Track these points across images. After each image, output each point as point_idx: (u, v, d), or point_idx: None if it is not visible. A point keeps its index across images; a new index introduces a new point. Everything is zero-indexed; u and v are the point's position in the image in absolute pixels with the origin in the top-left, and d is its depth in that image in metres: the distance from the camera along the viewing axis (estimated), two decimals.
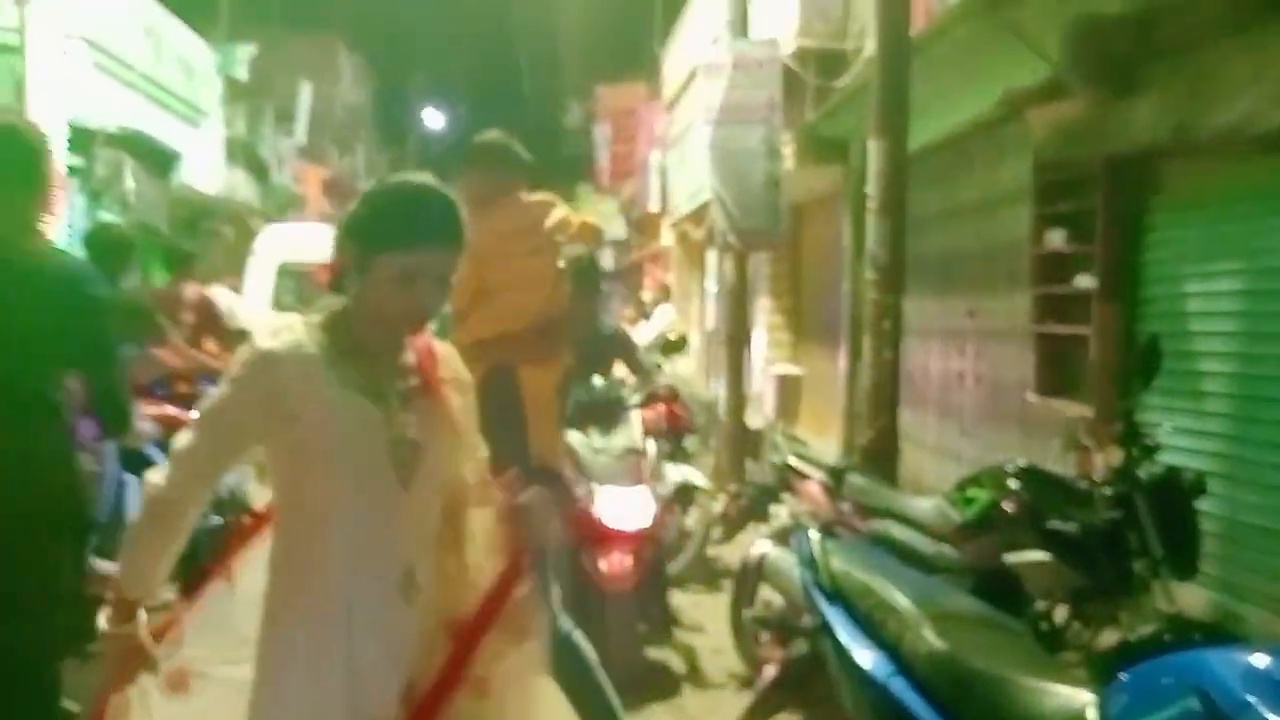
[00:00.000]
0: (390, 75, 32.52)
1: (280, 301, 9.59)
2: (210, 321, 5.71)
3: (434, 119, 33.99)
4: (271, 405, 1.78)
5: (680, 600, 5.55)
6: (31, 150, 2.74)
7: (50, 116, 11.84)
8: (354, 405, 1.81)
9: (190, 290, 5.74)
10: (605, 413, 4.95)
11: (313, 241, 7.97)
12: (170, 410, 4.57)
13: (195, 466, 1.87)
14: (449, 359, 1.99)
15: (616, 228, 22.83)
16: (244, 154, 19.47)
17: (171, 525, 1.88)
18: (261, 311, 9.03)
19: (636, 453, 4.91)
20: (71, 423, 2.85)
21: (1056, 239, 5.79)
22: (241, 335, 5.34)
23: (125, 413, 2.97)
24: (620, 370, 5.58)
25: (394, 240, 1.79)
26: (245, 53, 18.65)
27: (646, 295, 15.54)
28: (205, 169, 17.31)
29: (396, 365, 1.90)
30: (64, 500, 2.73)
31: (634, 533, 4.42)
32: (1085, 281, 5.56)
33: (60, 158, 12.01)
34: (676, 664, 4.85)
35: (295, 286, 9.41)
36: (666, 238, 17.79)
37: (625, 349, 5.63)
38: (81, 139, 12.47)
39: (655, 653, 4.88)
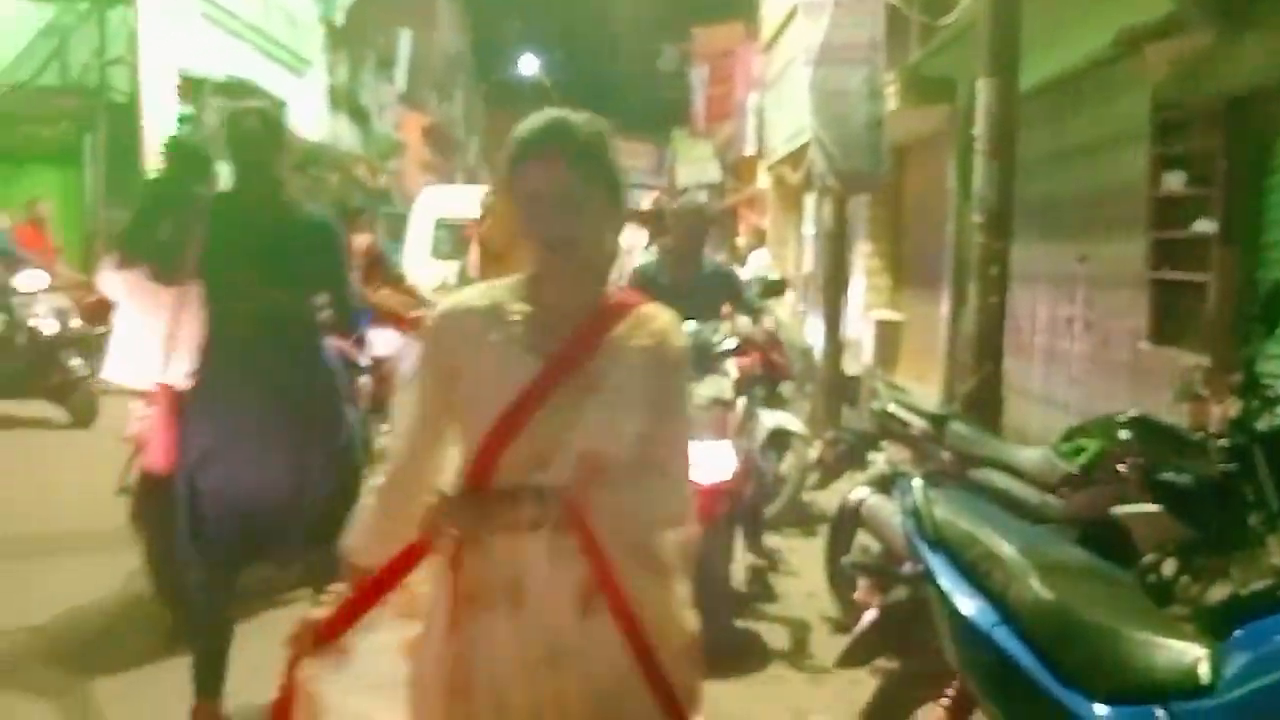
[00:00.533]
0: (487, 23, 32.59)
1: (438, 251, 10.53)
2: (380, 269, 5.98)
3: (529, 65, 34.02)
4: (440, 363, 1.85)
5: (774, 544, 5.58)
6: (276, 125, 3.52)
7: (161, 67, 12.24)
8: (513, 360, 1.78)
9: (359, 240, 5.98)
10: (694, 360, 4.92)
11: (465, 200, 8.66)
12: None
13: (412, 438, 1.94)
14: (650, 325, 1.85)
15: (711, 171, 22.65)
16: (346, 101, 19.81)
17: (400, 498, 1.93)
18: (421, 262, 9.95)
19: (723, 404, 4.87)
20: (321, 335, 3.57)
21: (1174, 181, 5.57)
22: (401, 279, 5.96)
23: (356, 321, 3.92)
24: (726, 311, 5.55)
25: (509, 163, 1.81)
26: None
27: (741, 240, 15.43)
28: (309, 116, 17.68)
29: (576, 321, 1.83)
30: (324, 399, 3.47)
31: (710, 488, 4.40)
32: (1204, 226, 5.34)
33: (171, 106, 12.42)
34: (772, 609, 4.89)
35: (450, 239, 10.37)
36: (762, 181, 17.58)
37: (734, 290, 5.59)
38: (191, 88, 12.85)
39: (747, 596, 4.93)
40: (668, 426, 1.85)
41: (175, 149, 4.77)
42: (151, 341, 3.62)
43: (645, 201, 11.73)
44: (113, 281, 4.09)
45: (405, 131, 24.50)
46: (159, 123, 11.91)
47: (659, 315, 1.88)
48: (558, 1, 28.63)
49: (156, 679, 3.77)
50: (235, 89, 13.62)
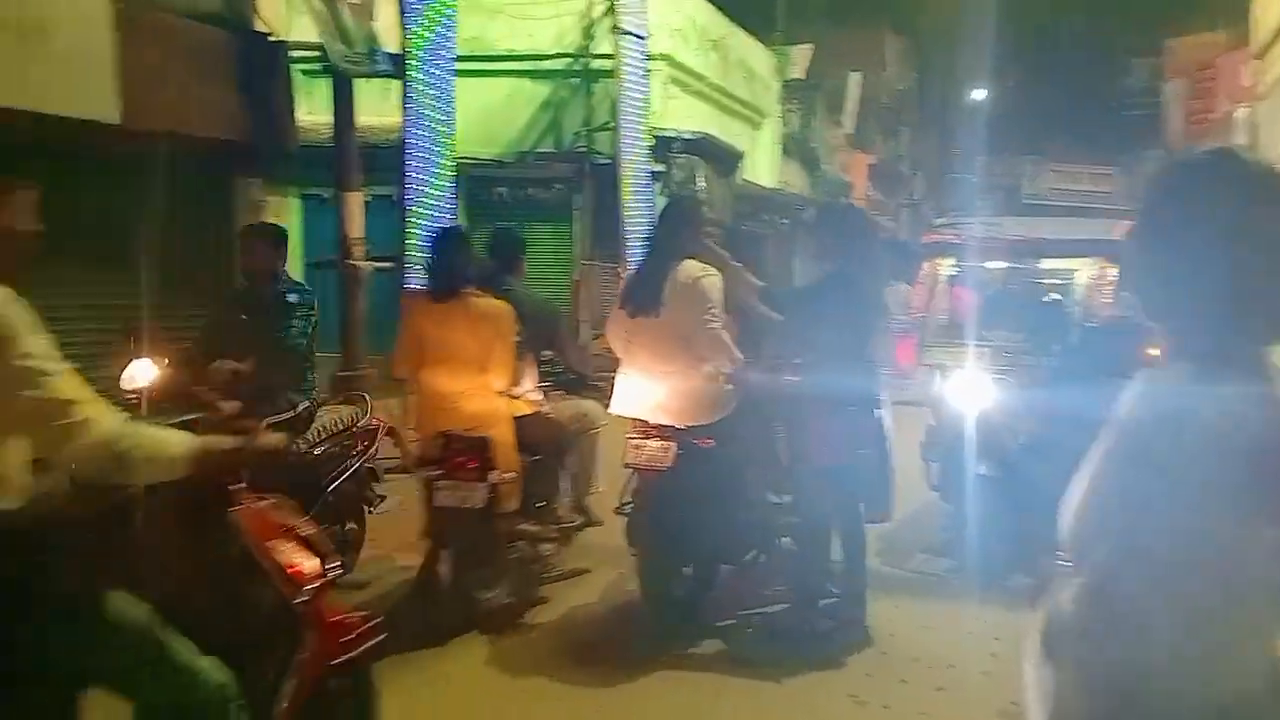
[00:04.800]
0: (935, 55, 32.18)
1: None
2: None
3: (978, 94, 33.06)
4: None
5: None
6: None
7: (635, 129, 13.50)
8: None
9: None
10: None
11: None
12: None
13: None
14: None
15: None
16: (797, 148, 20.52)
17: None
18: None
19: None
20: None
21: None
22: None
23: None
24: None
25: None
26: (800, 53, 19.66)
27: None
28: (764, 164, 18.57)
29: None
30: None
31: None
32: None
33: (644, 165, 13.63)
34: None
35: None
36: None
37: None
38: (661, 147, 14.01)
39: None
40: None
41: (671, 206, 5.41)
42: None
43: (1117, 231, 10.93)
44: (615, 328, 4.84)
45: (852, 172, 24.86)
46: (635, 180, 13.14)
47: None
48: (1009, 30, 27.61)
49: (648, 689, 4.16)
50: (699, 145, 14.66)
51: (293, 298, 4.96)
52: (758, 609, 4.88)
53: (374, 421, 5.18)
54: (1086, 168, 29.57)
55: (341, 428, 5.09)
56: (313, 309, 5.01)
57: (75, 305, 6.57)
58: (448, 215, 9.32)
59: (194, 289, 7.54)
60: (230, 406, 2.98)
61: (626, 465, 4.69)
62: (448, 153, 9.22)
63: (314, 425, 5.01)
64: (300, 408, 4.80)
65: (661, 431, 4.56)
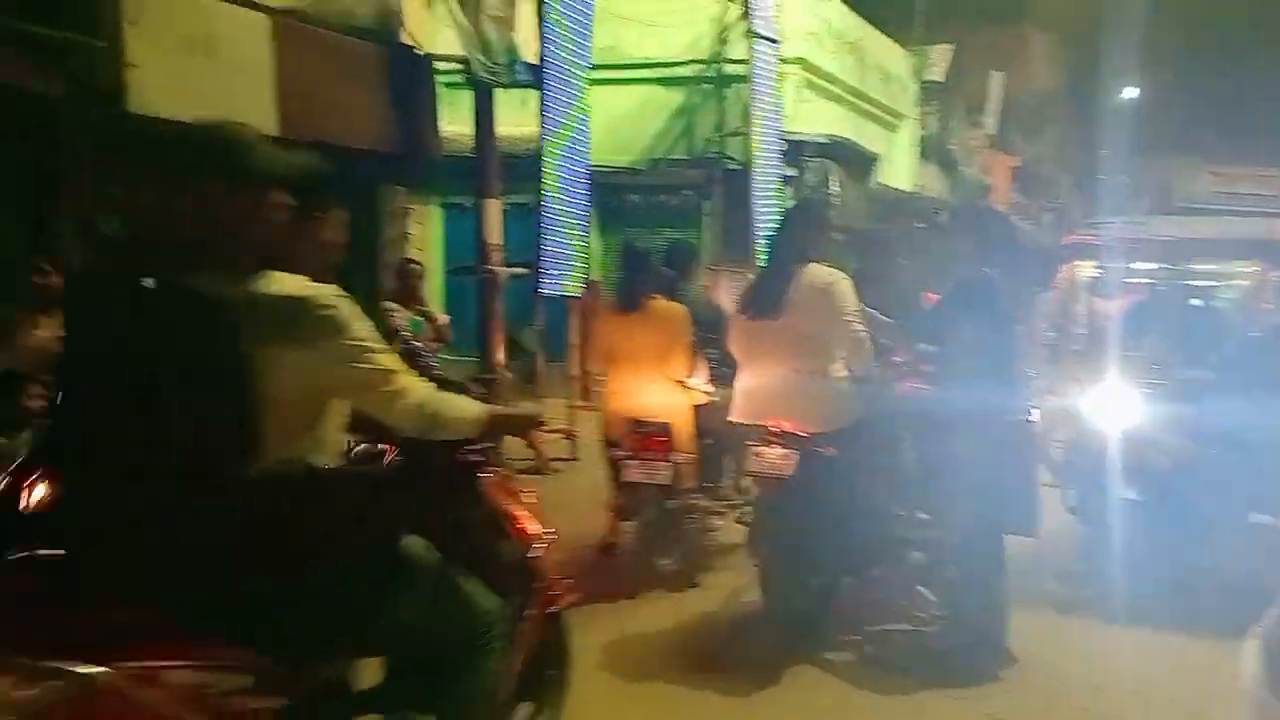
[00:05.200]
0: (1083, 52, 31.02)
1: None
2: None
3: (1130, 92, 31.66)
4: None
5: None
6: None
7: (768, 134, 13.43)
8: None
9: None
10: None
11: None
12: None
13: None
14: None
15: None
16: (935, 150, 20.09)
17: None
18: None
19: None
20: None
21: None
22: None
23: None
24: None
25: None
26: (940, 53, 19.21)
27: None
28: (900, 167, 18.23)
29: None
30: None
31: None
32: None
33: (776, 169, 13.55)
34: None
35: None
36: None
37: None
38: (793, 151, 13.91)
39: None
40: None
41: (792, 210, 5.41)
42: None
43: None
44: (734, 332, 5.02)
45: (993, 174, 24.16)
46: (766, 185, 13.08)
47: None
48: (1163, 23, 26.36)
49: (771, 700, 4.15)
50: (833, 149, 14.50)
51: None
52: (889, 624, 4.77)
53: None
54: (1249, 169, 27.89)
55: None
56: None
57: None
58: (581, 222, 9.47)
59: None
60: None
61: (747, 473, 4.68)
62: (582, 161, 9.37)
63: None
64: None
65: (783, 438, 4.49)
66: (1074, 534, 5.82)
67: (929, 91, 19.66)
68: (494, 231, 9.15)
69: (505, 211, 9.32)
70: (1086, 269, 8.82)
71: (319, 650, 2.37)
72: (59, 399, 2.43)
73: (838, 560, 4.75)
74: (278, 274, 2.34)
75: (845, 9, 15.39)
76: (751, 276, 5.52)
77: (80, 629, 2.05)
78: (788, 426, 4.50)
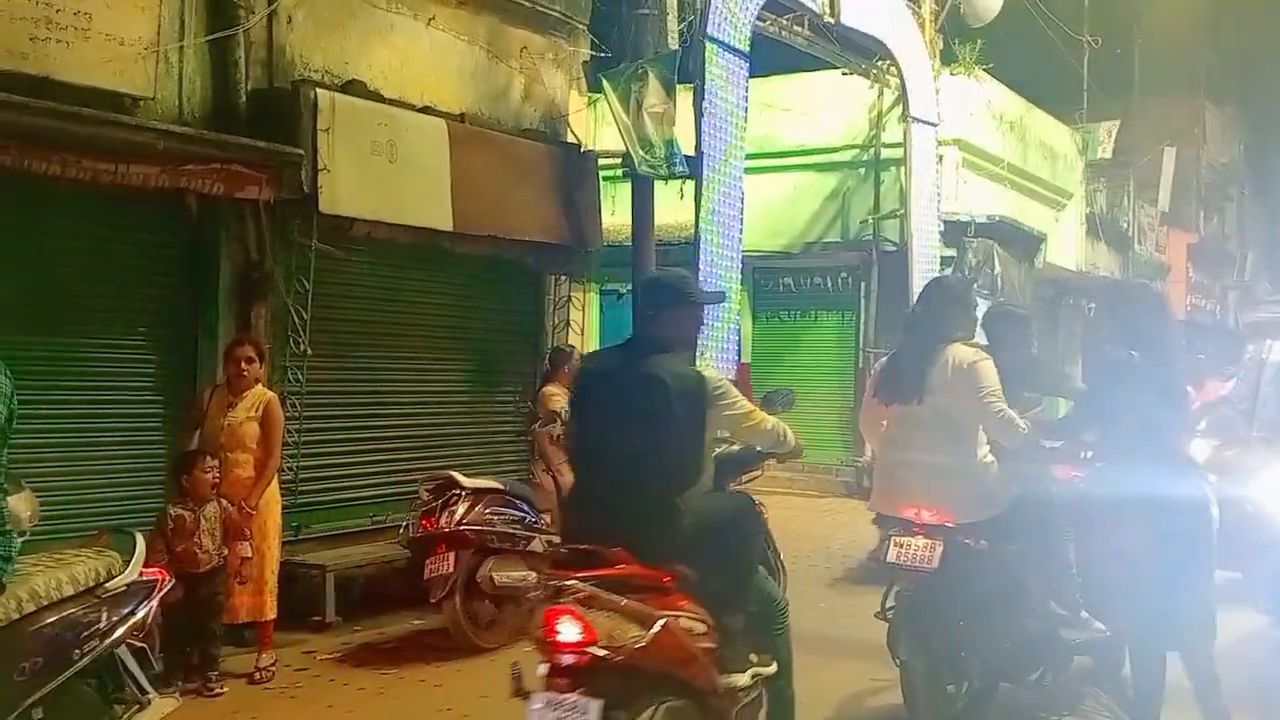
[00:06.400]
0: (1265, 124, 29.59)
1: None
2: None
3: None
4: None
5: None
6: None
7: (927, 216, 13.37)
8: None
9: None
10: None
11: None
12: None
13: None
14: None
15: None
16: (1104, 227, 19.46)
17: None
18: None
19: None
20: None
21: None
22: None
23: None
24: None
25: None
26: (1107, 130, 18.72)
27: None
28: (1066, 246, 17.74)
29: None
30: None
31: None
32: None
33: (935, 250, 13.43)
34: None
35: None
36: None
37: None
38: (954, 231, 13.78)
39: None
40: None
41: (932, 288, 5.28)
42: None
43: None
44: (869, 416, 5.04)
45: (1169, 252, 23.13)
46: (925, 266, 12.99)
47: None
48: None
49: None
50: (995, 229, 14.27)
51: None
52: None
53: None
54: None
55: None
56: None
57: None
58: (733, 306, 9.67)
59: (512, 371, 8.88)
60: None
61: (886, 562, 4.40)
62: (736, 247, 9.58)
63: None
64: None
65: (927, 529, 4.28)
66: (1264, 637, 5.39)
67: (1097, 169, 19.15)
68: None
69: None
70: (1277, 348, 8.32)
71: (736, 607, 3.77)
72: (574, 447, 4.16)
73: (989, 663, 4.49)
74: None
75: (1004, 88, 15.27)
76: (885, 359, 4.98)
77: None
78: (930, 517, 4.32)
